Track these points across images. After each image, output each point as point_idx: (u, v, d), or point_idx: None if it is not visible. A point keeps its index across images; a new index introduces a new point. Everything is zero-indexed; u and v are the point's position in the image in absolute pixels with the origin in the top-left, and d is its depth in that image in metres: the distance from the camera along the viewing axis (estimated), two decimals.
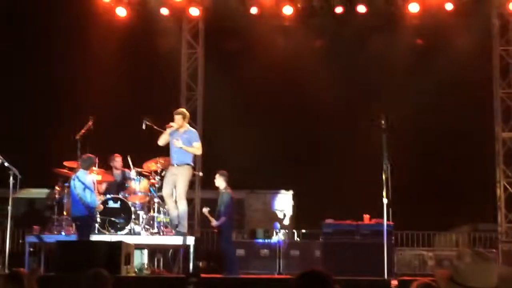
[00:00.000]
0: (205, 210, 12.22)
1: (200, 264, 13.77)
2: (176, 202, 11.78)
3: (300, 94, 15.82)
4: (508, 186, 15.36)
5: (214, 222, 12.00)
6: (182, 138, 11.74)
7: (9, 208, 10.75)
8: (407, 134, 15.05)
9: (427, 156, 15.83)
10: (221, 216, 11.90)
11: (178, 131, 11.80)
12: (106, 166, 12.69)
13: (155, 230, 12.05)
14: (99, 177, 12.15)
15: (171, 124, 11.74)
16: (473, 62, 15.29)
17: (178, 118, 11.84)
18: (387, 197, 10.52)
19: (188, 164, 11.85)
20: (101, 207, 11.74)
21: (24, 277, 4.45)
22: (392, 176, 10.64)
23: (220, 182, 12.00)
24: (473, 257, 3.26)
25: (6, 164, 10.72)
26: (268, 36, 15.97)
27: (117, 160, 12.84)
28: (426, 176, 15.74)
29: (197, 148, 11.94)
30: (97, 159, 11.81)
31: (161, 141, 11.80)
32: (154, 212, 12.19)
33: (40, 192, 15.27)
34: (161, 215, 12.23)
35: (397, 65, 15.47)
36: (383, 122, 10.62)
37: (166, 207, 12.08)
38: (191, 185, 15.24)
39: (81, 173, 11.37)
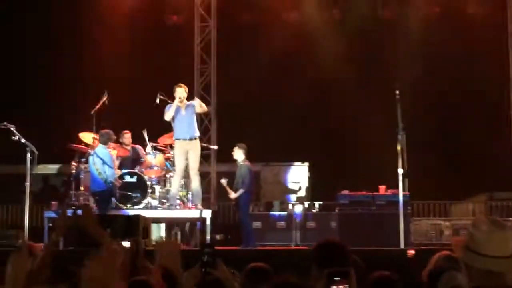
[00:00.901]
0: (224, 181, 12.25)
1: (218, 237, 13.86)
2: (190, 177, 11.84)
3: (314, 66, 15.75)
4: None
5: (232, 194, 12.06)
6: (188, 111, 11.78)
7: (27, 184, 10.83)
8: (422, 104, 15.00)
9: (442, 125, 15.76)
10: (239, 188, 11.95)
11: (181, 107, 11.83)
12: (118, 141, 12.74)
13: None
14: (115, 152, 12.22)
15: (180, 97, 11.73)
16: (488, 30, 15.15)
17: (181, 91, 11.84)
18: (402, 167, 10.51)
19: (198, 138, 11.96)
20: (120, 182, 11.81)
21: (36, 251, 4.47)
22: (407, 146, 10.63)
23: (239, 154, 12.03)
24: (489, 225, 3.25)
25: (23, 140, 10.78)
26: (281, 7, 15.89)
27: (126, 137, 12.86)
28: (441, 145, 15.69)
29: (200, 104, 11.97)
30: (114, 135, 11.89)
31: (168, 116, 11.78)
32: (170, 186, 12.25)
33: (57, 168, 15.38)
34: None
35: (410, 33, 15.36)
36: (397, 92, 10.59)
37: (182, 180, 12.14)
38: (207, 158, 15.33)
39: (99, 148, 11.45)
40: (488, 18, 15.27)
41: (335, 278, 3.25)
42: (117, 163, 12.46)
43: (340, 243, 4.22)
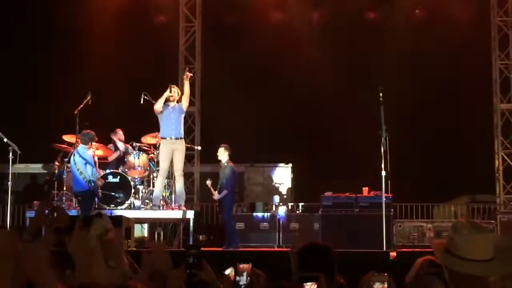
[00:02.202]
0: (209, 182, 12.23)
1: (200, 237, 13.84)
2: (174, 178, 11.83)
3: (298, 67, 15.77)
4: (506, 157, 15.40)
5: (216, 195, 12.03)
6: (176, 110, 11.81)
7: (9, 183, 10.77)
8: (405, 106, 15.06)
9: (425, 128, 15.83)
10: (223, 189, 11.93)
11: (170, 105, 11.84)
12: (105, 140, 12.69)
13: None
14: (100, 152, 12.18)
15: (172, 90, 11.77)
16: (471, 34, 15.25)
17: (176, 90, 11.91)
18: (385, 169, 10.55)
19: (183, 138, 11.96)
20: (102, 181, 11.76)
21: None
22: (390, 149, 10.67)
23: (223, 155, 12.00)
24: (469, 229, 3.25)
25: (5, 139, 10.73)
26: (265, 8, 15.90)
27: (120, 133, 12.85)
28: (424, 148, 15.76)
29: (186, 95, 11.96)
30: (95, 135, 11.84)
31: (158, 105, 11.77)
32: (153, 186, 12.23)
33: (39, 167, 15.30)
34: None
35: (396, 37, 15.41)
36: (380, 94, 10.63)
37: (165, 181, 12.13)
38: (190, 159, 15.31)
39: (81, 148, 11.40)
40: (473, 21, 15.34)
41: (305, 284, 3.28)
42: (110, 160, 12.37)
43: (324, 245, 4.23)
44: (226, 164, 11.99)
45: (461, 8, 15.21)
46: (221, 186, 11.96)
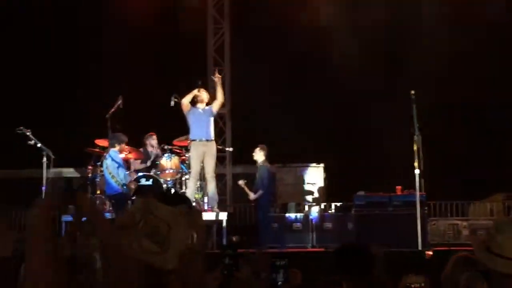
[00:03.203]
0: (242, 182, 12.24)
1: (234, 239, 13.84)
2: (206, 180, 11.85)
3: (329, 67, 15.69)
4: None
5: (251, 195, 12.06)
6: (206, 112, 11.84)
7: (44, 188, 10.87)
8: (439, 103, 14.89)
9: (459, 125, 15.65)
10: (258, 189, 11.96)
11: (200, 107, 11.88)
12: (138, 144, 12.75)
13: None
14: (131, 155, 12.23)
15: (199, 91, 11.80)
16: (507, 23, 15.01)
17: (205, 93, 11.97)
18: (418, 167, 10.47)
19: (214, 140, 11.98)
20: (135, 184, 11.81)
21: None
22: (424, 146, 10.59)
23: (259, 155, 12.07)
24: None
25: (39, 145, 10.83)
26: (295, 9, 15.85)
27: (154, 138, 12.91)
28: (458, 145, 15.57)
29: (220, 101, 11.95)
30: (126, 137, 11.90)
31: (186, 99, 11.79)
32: (185, 188, 12.25)
33: (73, 172, 15.42)
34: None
35: (429, 32, 15.27)
36: (413, 92, 10.56)
37: (198, 183, 12.15)
38: (222, 160, 15.33)
39: (112, 152, 11.46)
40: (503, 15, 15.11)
41: None
42: (136, 165, 12.42)
43: (362, 245, 4.19)
44: (262, 164, 12.03)
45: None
46: (256, 186, 12.00)
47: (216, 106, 11.92)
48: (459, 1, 15.34)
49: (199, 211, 3.82)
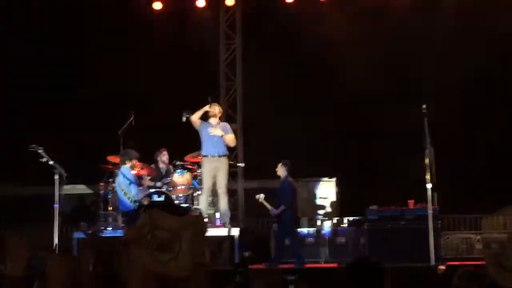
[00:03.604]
0: (261, 196, 12.20)
1: (246, 254, 13.82)
2: (218, 195, 11.84)
3: (340, 80, 15.67)
4: None
5: (273, 211, 12.02)
6: (219, 128, 11.87)
7: (56, 206, 10.90)
8: (450, 115, 14.83)
9: (472, 138, 15.56)
10: (280, 204, 11.92)
11: (212, 123, 11.90)
12: (150, 160, 12.78)
13: None
14: (143, 172, 12.26)
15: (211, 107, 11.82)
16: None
17: (217, 107, 11.99)
18: (431, 181, 10.44)
19: (226, 156, 11.96)
20: (148, 200, 11.82)
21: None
22: (436, 159, 10.57)
23: (282, 171, 12.08)
24: None
25: (51, 162, 10.87)
26: (305, 22, 15.87)
27: (165, 154, 12.93)
28: (470, 157, 15.50)
29: (232, 139, 12.03)
30: (138, 154, 11.93)
31: (196, 116, 11.79)
32: (198, 204, 12.25)
33: (85, 188, 15.46)
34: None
35: (438, 46, 15.23)
36: (424, 106, 10.54)
37: (209, 199, 12.15)
38: (234, 176, 15.33)
39: (124, 168, 11.49)
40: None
41: None
42: (147, 181, 12.44)
43: (374, 260, 4.18)
44: (284, 179, 12.03)
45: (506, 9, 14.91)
46: (278, 201, 11.98)
47: (229, 137, 11.92)
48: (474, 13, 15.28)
49: (203, 221, 3.84)
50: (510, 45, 15.03)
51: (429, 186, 10.42)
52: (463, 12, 15.28)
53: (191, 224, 3.52)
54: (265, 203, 12.11)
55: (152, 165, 12.82)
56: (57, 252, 10.65)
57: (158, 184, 12.42)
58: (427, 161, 10.44)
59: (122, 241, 3.66)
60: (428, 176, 10.40)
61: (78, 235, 11.93)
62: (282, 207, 11.89)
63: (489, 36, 15.10)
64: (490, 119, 15.50)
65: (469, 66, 14.92)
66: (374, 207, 12.70)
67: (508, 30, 14.85)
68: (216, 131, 11.80)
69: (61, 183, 10.97)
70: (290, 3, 15.71)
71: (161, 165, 12.93)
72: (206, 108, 11.87)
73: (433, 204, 10.74)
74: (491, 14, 15.01)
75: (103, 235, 11.38)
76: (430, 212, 10.61)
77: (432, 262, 10.16)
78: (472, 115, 15.49)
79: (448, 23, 15.39)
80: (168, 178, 12.50)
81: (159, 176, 12.78)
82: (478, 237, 13.46)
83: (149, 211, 3.63)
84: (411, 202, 12.50)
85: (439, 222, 12.18)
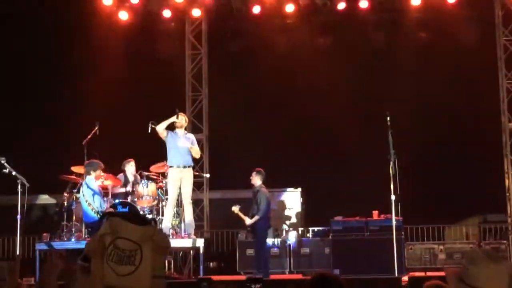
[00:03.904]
0: (236, 208, 12.09)
1: (211, 265, 13.78)
2: (184, 206, 11.79)
3: (305, 92, 15.78)
4: None
5: (247, 221, 11.90)
6: (184, 139, 11.81)
7: (19, 217, 10.77)
8: (413, 128, 15.03)
9: (434, 149, 15.77)
10: (255, 215, 11.81)
11: (179, 133, 11.85)
12: (114, 171, 12.67)
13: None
14: (109, 182, 12.14)
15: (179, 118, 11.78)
16: (477, 54, 15.23)
17: (184, 118, 11.96)
18: (395, 192, 10.54)
19: (191, 166, 11.92)
20: (111, 210, 11.71)
21: None
22: (399, 172, 10.66)
23: (256, 179, 11.95)
24: (485, 259, 3.21)
25: (13, 173, 10.75)
26: (271, 35, 15.94)
27: (132, 165, 12.82)
28: (433, 169, 15.70)
29: (198, 151, 12.01)
30: (102, 164, 11.83)
31: (162, 127, 11.73)
32: (162, 215, 12.18)
33: (48, 199, 15.31)
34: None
35: (401, 60, 15.43)
36: (388, 118, 10.65)
37: (175, 209, 12.09)
38: (199, 186, 15.29)
39: (88, 179, 11.39)
40: (478, 44, 15.33)
41: None
42: (116, 191, 12.33)
43: (334, 277, 4.20)
44: (258, 189, 11.90)
45: (466, 29, 15.19)
46: (253, 211, 11.86)
47: (193, 149, 11.88)
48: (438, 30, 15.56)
49: (164, 233, 3.82)
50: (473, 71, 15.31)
51: (393, 197, 10.52)
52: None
53: (153, 235, 3.51)
54: (241, 214, 12.02)
55: (120, 175, 12.72)
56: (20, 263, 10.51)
57: (128, 188, 12.35)
58: (391, 172, 10.54)
59: (83, 255, 3.63)
60: (392, 187, 10.50)
61: (40, 246, 11.78)
62: (256, 217, 11.79)
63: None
64: (453, 130, 15.73)
65: (438, 88, 15.23)
66: (339, 217, 12.77)
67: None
68: (186, 143, 11.77)
69: (24, 194, 10.83)
70: (256, 15, 15.75)
71: (129, 175, 12.84)
72: (173, 118, 11.82)
73: (396, 215, 10.83)
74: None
75: (64, 247, 11.23)
76: (394, 223, 10.71)
77: (396, 272, 10.24)
78: (434, 126, 15.73)
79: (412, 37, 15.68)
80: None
81: (127, 184, 12.67)
82: (441, 247, 13.60)
83: (111, 219, 3.60)
84: (375, 213, 12.59)
85: (403, 232, 12.28)
